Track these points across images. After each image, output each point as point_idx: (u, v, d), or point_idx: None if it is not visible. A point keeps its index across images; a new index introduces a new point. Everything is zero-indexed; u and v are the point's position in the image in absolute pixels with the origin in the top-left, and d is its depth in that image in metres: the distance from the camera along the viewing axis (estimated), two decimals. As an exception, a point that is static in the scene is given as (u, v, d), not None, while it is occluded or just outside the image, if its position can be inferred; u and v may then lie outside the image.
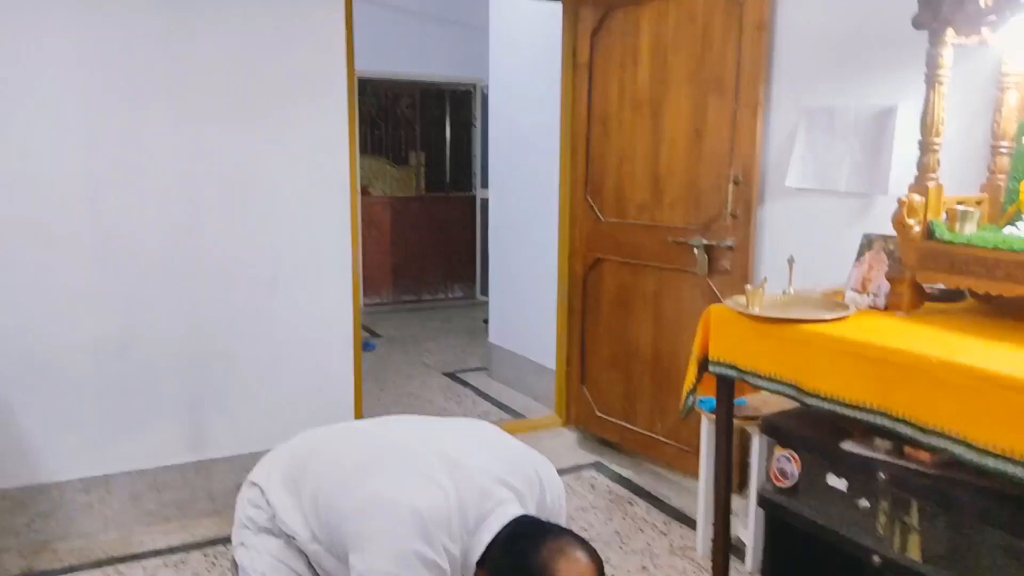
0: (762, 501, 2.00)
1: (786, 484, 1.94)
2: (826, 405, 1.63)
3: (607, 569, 2.24)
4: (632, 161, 3.04)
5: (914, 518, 1.64)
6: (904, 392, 1.46)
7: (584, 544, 1.32)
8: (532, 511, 1.44)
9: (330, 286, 2.92)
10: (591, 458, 3.40)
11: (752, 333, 1.81)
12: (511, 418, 3.94)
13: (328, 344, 2.94)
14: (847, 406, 1.58)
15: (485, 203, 6.31)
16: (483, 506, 1.36)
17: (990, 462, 1.32)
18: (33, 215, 2.47)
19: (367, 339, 5.55)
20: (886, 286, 1.82)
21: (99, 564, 2.48)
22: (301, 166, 2.82)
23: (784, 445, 1.95)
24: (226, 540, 2.60)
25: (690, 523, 2.77)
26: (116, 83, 2.52)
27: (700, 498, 2.59)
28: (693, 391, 1.97)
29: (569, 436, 3.57)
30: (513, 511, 1.38)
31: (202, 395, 2.76)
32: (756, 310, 1.79)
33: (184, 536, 2.63)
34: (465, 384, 4.59)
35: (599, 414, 3.38)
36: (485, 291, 6.27)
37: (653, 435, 3.10)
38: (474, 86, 7.09)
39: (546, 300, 3.71)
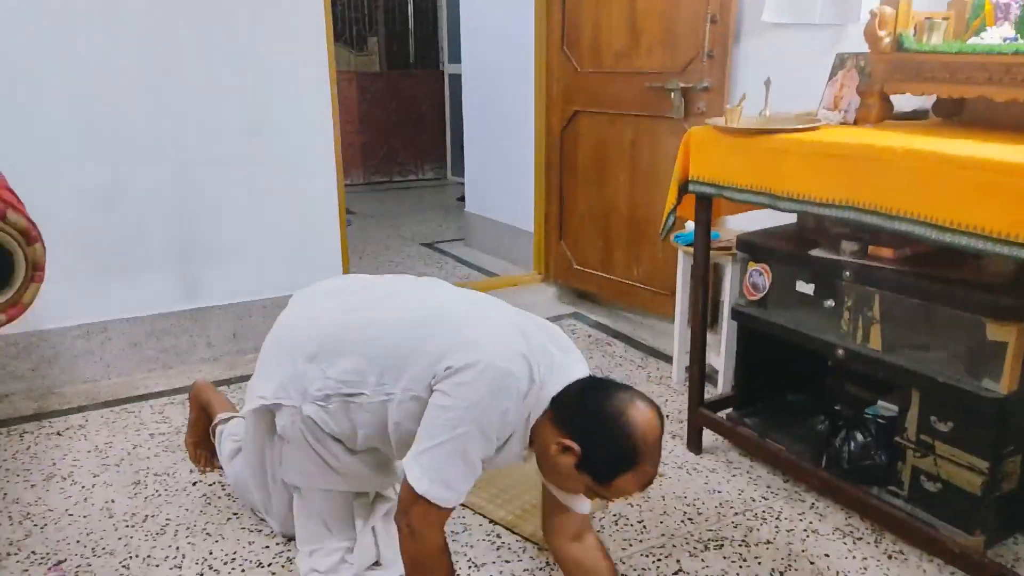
0: (735, 314, 2.17)
1: (757, 296, 2.10)
2: (799, 207, 1.75)
3: None
4: (609, 6, 3.05)
5: (875, 311, 1.80)
6: (870, 184, 1.58)
7: (649, 399, 1.38)
8: None
9: (311, 136, 2.95)
10: (569, 309, 3.56)
11: (730, 149, 1.91)
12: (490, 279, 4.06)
13: (312, 192, 2.99)
14: (818, 204, 1.70)
15: (455, 79, 6.23)
16: (546, 362, 1.42)
17: (949, 237, 1.46)
18: (10, 62, 2.44)
19: (342, 215, 5.58)
20: (856, 101, 1.92)
21: (107, 404, 2.59)
22: (279, 10, 2.79)
23: (757, 260, 2.10)
24: (227, 383, 2.73)
25: (666, 359, 2.96)
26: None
27: (676, 330, 2.76)
28: (673, 212, 2.09)
29: (548, 291, 3.72)
30: (581, 368, 1.46)
31: (193, 245, 2.82)
32: (735, 125, 1.88)
33: (186, 380, 2.74)
34: (443, 253, 4.69)
35: (577, 267, 3.52)
36: (458, 171, 6.27)
37: (630, 282, 3.25)
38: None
39: (523, 163, 3.76)
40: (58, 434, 2.39)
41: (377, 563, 1.69)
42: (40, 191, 2.54)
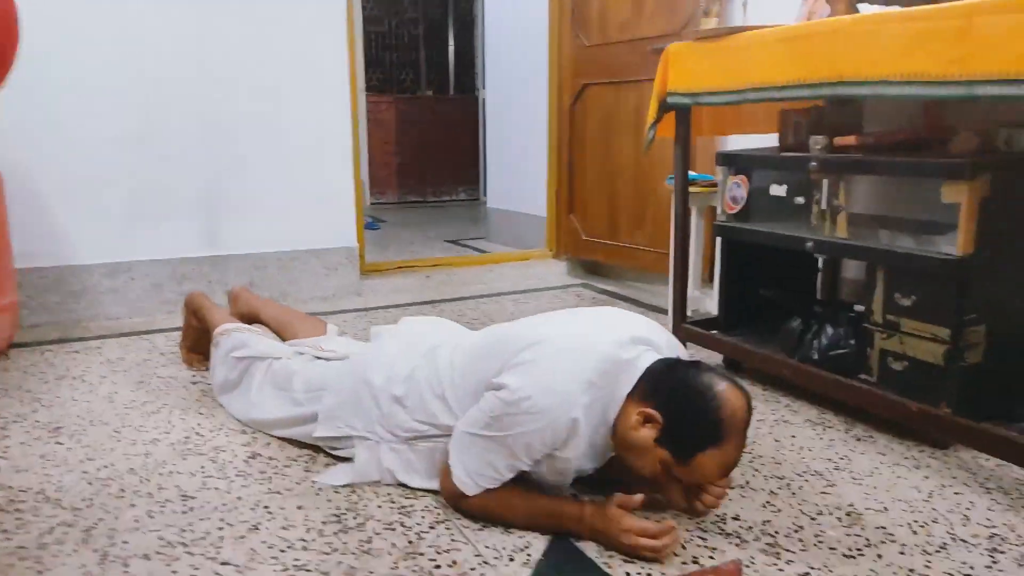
0: (718, 230, 2.23)
1: (737, 208, 2.16)
2: (763, 94, 1.83)
3: None
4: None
5: (841, 197, 1.85)
6: (823, 57, 1.66)
7: (740, 383, 1.32)
8: None
9: (328, 98, 3.13)
10: (578, 281, 3.63)
11: (703, 56, 2.01)
12: (506, 260, 4.16)
13: (327, 155, 3.16)
14: (779, 88, 1.78)
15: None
16: (625, 351, 1.35)
17: (895, 90, 1.52)
18: (54, 13, 2.69)
19: (371, 220, 5.78)
20: (827, 11, 2.01)
21: (126, 335, 2.75)
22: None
23: (736, 172, 2.17)
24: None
25: (664, 311, 3.00)
26: None
27: (670, 279, 2.81)
28: (654, 126, 2.18)
29: (559, 265, 3.81)
30: (652, 355, 1.38)
31: (216, 195, 3.00)
32: (709, 28, 1.99)
33: (202, 321, 2.88)
34: (464, 246, 4.82)
35: (585, 238, 3.60)
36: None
37: (634, 246, 3.32)
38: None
39: (539, 151, 3.91)
40: (76, 352, 2.54)
41: None
42: (80, 137, 2.78)
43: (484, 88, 7.20)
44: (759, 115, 2.28)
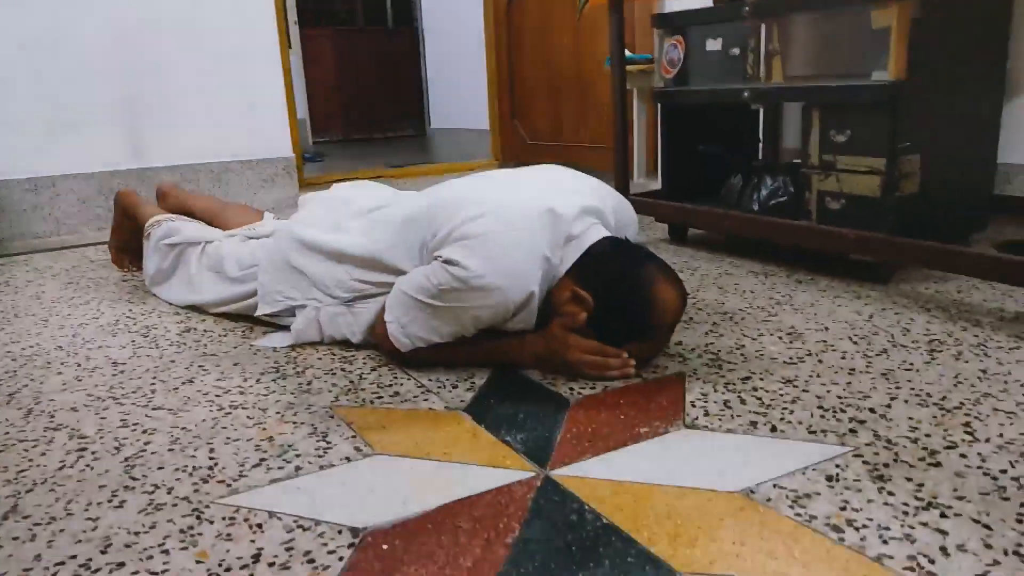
0: (656, 96, 2.20)
1: (674, 71, 2.13)
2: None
3: None
4: None
5: (775, 41, 1.83)
6: None
7: (679, 280, 1.30)
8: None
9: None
10: (525, 188, 3.59)
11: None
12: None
13: (253, 59, 3.04)
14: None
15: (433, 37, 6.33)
16: (574, 226, 1.32)
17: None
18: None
19: (312, 155, 5.63)
20: None
21: (55, 249, 2.63)
22: None
23: (672, 33, 2.13)
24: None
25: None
26: None
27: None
28: (586, -7, 2.13)
29: (504, 174, 3.76)
30: (601, 231, 1.35)
31: (138, 102, 2.86)
32: None
33: (135, 235, 2.77)
34: (407, 167, 4.73)
35: (530, 142, 3.55)
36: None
37: (579, 144, 3.29)
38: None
39: (479, 68, 3.82)
40: (2, 266, 2.42)
41: None
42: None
43: (422, 19, 7.08)
44: (694, -24, 2.24)
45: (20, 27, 2.65)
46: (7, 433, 1.18)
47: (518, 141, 3.61)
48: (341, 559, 0.82)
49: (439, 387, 1.28)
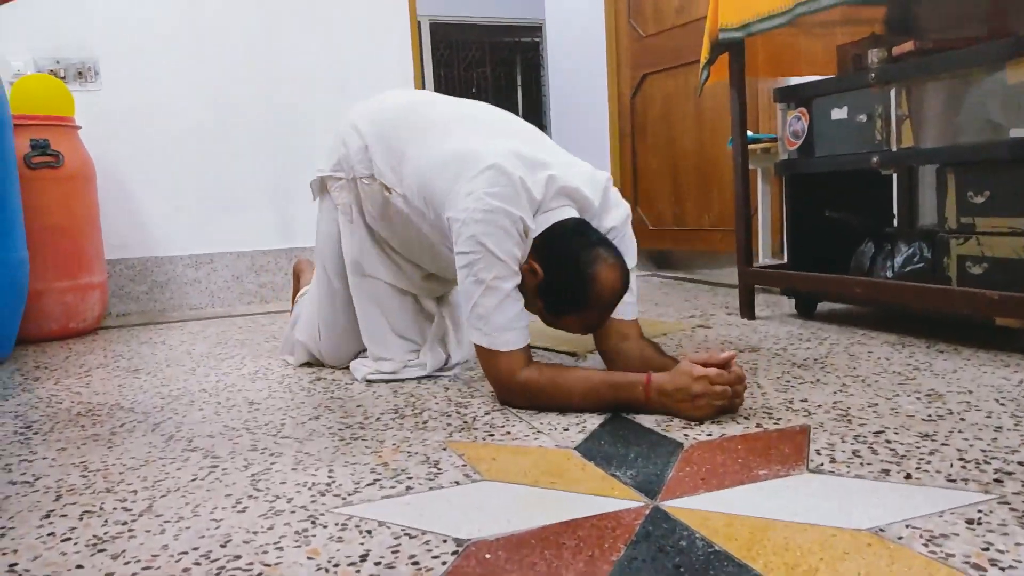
0: (780, 168, 2.18)
1: (798, 143, 2.12)
2: (814, 4, 1.81)
3: (656, 310, 2.45)
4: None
5: (904, 105, 1.80)
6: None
7: (623, 263, 1.41)
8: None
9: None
10: (646, 272, 3.60)
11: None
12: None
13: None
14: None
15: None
16: (546, 202, 1.43)
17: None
18: (141, 24, 2.93)
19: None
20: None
21: (208, 318, 2.86)
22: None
23: (796, 106, 2.13)
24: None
25: (735, 287, 2.93)
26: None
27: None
28: (707, 67, 2.18)
29: (627, 260, 3.78)
30: (571, 213, 1.45)
31: (288, 188, 3.14)
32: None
33: (278, 311, 2.98)
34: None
35: (652, 228, 3.58)
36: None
37: (701, 228, 3.28)
38: (541, 27, 7.41)
39: (601, 148, 3.94)
40: (160, 329, 2.66)
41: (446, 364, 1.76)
42: (158, 133, 2.97)
43: (549, 107, 7.40)
44: (817, 53, 2.25)
45: (192, 118, 3.01)
46: (149, 452, 1.27)
47: (640, 228, 3.64)
48: (444, 563, 0.82)
49: (551, 429, 1.28)
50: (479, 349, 1.42)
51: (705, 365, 1.29)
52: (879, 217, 2.15)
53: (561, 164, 1.49)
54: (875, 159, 1.85)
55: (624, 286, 1.40)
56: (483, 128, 1.58)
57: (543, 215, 1.43)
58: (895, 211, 2.12)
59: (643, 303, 2.70)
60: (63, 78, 2.83)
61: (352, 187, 1.71)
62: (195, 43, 3.00)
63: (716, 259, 3.34)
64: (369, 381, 1.69)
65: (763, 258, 2.84)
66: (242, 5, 3.05)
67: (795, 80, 2.29)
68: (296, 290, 2.23)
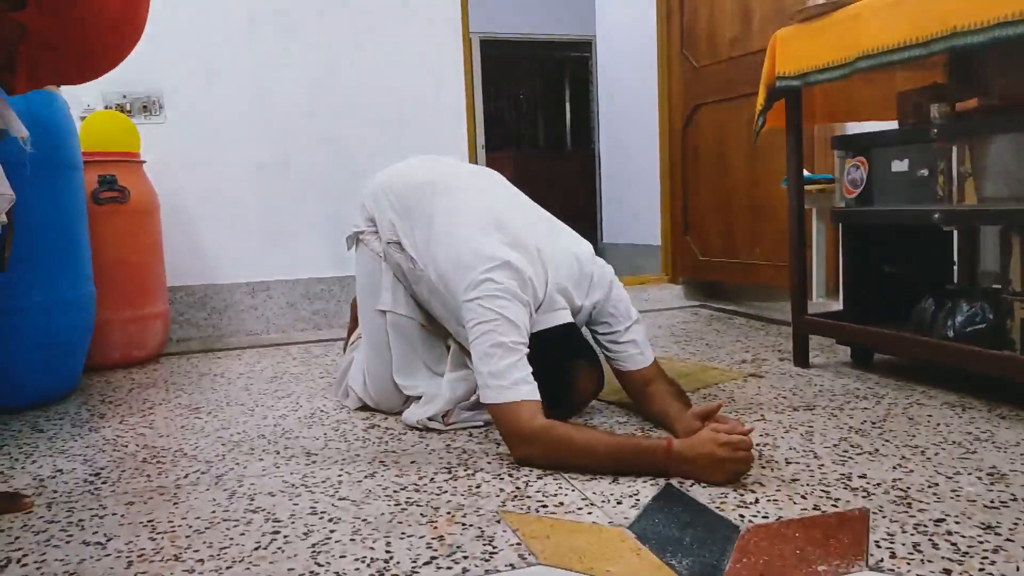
0: (837, 216, 2.15)
1: (856, 192, 2.09)
2: (873, 61, 1.78)
3: (707, 352, 2.44)
4: (723, 4, 3.25)
5: (967, 164, 1.76)
6: (934, 12, 1.61)
7: (599, 368, 1.68)
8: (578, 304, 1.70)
9: (447, 129, 3.30)
10: (695, 302, 3.57)
11: (811, 35, 1.99)
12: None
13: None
14: (890, 51, 1.73)
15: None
16: (547, 302, 1.63)
17: (1010, 31, 1.46)
18: (203, 59, 3.02)
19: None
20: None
21: (264, 346, 2.93)
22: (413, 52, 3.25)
23: (853, 155, 2.10)
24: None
25: (787, 324, 2.89)
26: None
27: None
28: (763, 114, 2.16)
29: (675, 289, 3.76)
30: (566, 317, 1.65)
31: (341, 216, 3.18)
32: (814, 4, 1.97)
33: (332, 338, 3.05)
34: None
35: (702, 258, 3.55)
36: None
37: (753, 262, 3.25)
38: (591, 43, 7.42)
39: (651, 182, 3.93)
40: (219, 359, 2.74)
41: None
42: (224, 165, 3.06)
43: (599, 143, 7.41)
44: (876, 99, 2.22)
45: (258, 154, 3.09)
46: (214, 512, 1.31)
47: (690, 257, 3.62)
48: (503, 666, 0.84)
49: (603, 501, 1.29)
50: (497, 408, 1.47)
51: (713, 413, 1.44)
52: (938, 271, 2.11)
53: (558, 253, 1.68)
54: (936, 215, 1.82)
55: (597, 391, 1.71)
56: (496, 218, 1.69)
57: (544, 315, 1.63)
58: (955, 264, 2.07)
59: (694, 342, 2.69)
60: (129, 112, 2.93)
61: (383, 243, 1.83)
62: (257, 78, 3.08)
63: (768, 292, 3.30)
64: (419, 428, 1.74)
65: (816, 296, 2.80)
66: (303, 42, 3.12)
67: (853, 126, 2.25)
68: (351, 331, 2.27)
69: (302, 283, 3.17)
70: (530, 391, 1.45)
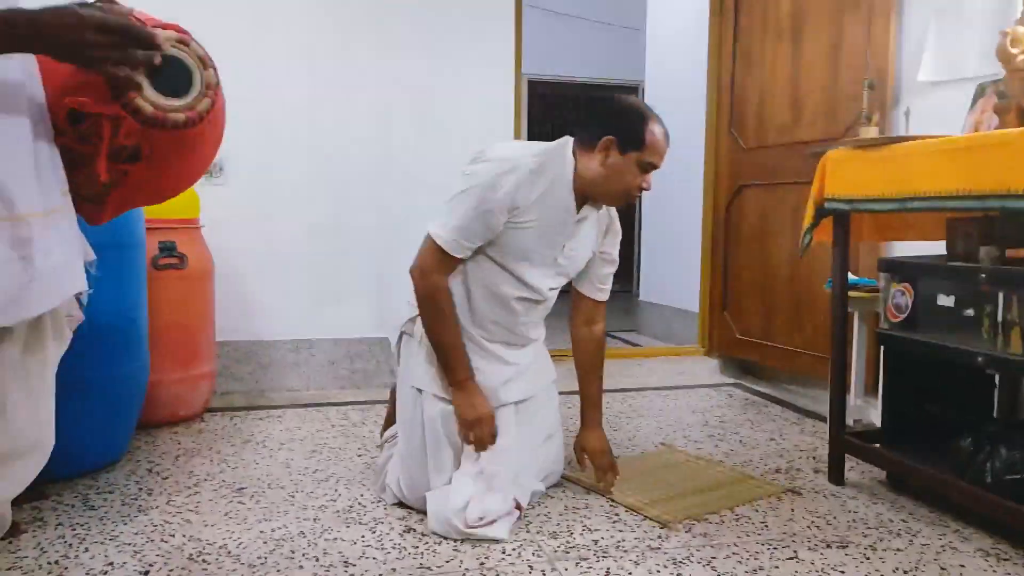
0: (880, 338, 2.16)
1: (900, 317, 2.10)
2: (925, 204, 1.80)
3: (741, 451, 2.47)
4: (773, 86, 3.27)
5: (1015, 312, 1.76)
6: (990, 168, 1.63)
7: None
8: None
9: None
10: (731, 380, 3.58)
11: (863, 163, 2.01)
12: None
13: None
14: (943, 198, 1.75)
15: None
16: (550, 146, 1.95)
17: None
18: (264, 124, 3.12)
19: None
20: (995, 122, 1.96)
21: (304, 406, 3.01)
22: (471, 94, 3.32)
23: (899, 280, 2.11)
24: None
25: (823, 419, 2.88)
26: (333, 17, 3.16)
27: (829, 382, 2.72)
28: (810, 231, 2.18)
29: (711, 363, 3.76)
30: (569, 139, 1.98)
31: (388, 280, 3.26)
32: (870, 136, 1.99)
33: (369, 399, 3.11)
34: (613, 337, 4.86)
35: (739, 337, 3.56)
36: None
37: (792, 348, 3.25)
38: (638, 88, 7.47)
39: (692, 252, 3.95)
40: (260, 419, 2.82)
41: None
42: (278, 226, 3.15)
43: (640, 207, 7.43)
44: (925, 222, 2.22)
45: (310, 217, 3.18)
46: (258, 634, 1.37)
47: (727, 333, 3.63)
48: None
49: (634, 658, 1.32)
50: (433, 239, 1.83)
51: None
52: (979, 404, 2.10)
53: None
54: (980, 359, 1.82)
55: (666, 144, 1.88)
56: None
57: (557, 155, 1.93)
58: (995, 401, 2.07)
59: (728, 438, 2.68)
60: (191, 171, 3.04)
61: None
62: (314, 143, 3.18)
63: (803, 378, 3.29)
64: (454, 539, 1.78)
65: (855, 398, 2.79)
66: (359, 107, 3.21)
67: (900, 246, 2.26)
68: (388, 419, 2.32)
69: (343, 342, 3.25)
70: (456, 248, 1.81)
